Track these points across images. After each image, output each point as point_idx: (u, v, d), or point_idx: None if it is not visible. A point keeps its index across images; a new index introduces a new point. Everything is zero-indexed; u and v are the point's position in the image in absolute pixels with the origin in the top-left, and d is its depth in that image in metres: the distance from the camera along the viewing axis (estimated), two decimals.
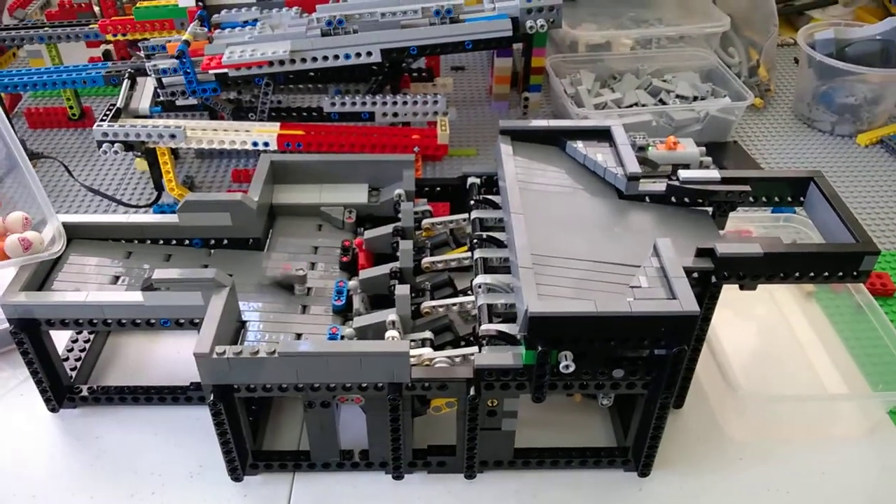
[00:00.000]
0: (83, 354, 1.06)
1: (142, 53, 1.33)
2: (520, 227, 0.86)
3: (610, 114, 1.47)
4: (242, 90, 1.36)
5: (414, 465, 0.93)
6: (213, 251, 1.03)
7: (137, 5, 1.47)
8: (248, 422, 0.91)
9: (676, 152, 0.99)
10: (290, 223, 1.08)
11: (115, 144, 1.22)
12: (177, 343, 1.11)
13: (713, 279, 0.85)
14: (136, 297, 0.90)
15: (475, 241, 0.94)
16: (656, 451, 0.91)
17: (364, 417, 0.88)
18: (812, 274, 0.86)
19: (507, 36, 1.28)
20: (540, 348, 0.77)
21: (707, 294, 0.86)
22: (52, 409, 1.01)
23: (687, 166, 0.98)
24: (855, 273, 0.86)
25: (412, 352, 0.84)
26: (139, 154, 1.28)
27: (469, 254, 0.96)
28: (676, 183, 0.94)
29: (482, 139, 1.58)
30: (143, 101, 1.30)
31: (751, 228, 1.19)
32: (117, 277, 0.98)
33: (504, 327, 0.84)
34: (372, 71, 1.36)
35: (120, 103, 1.26)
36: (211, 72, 1.24)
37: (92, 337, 1.09)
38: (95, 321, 0.92)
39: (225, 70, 1.24)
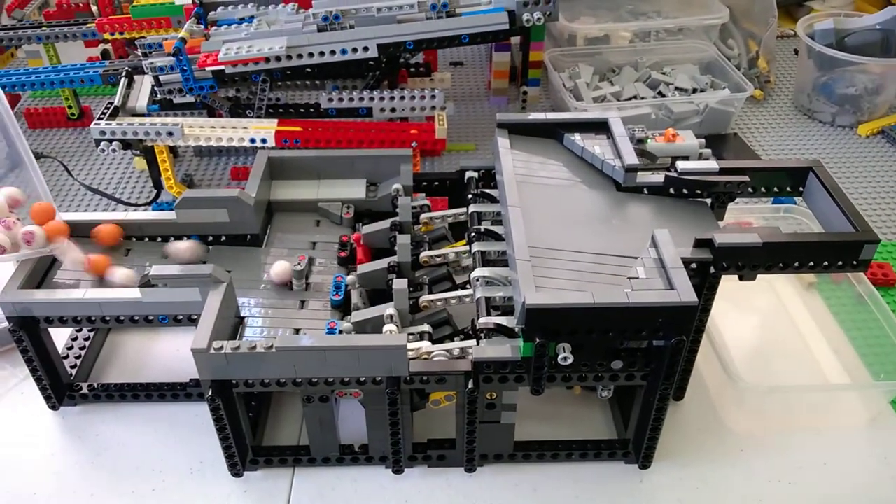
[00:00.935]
0: (83, 352, 1.06)
1: (139, 52, 1.33)
2: (517, 220, 0.86)
3: (609, 107, 1.46)
4: (240, 87, 1.36)
5: (414, 458, 0.93)
6: (211, 248, 1.03)
7: (134, 3, 1.47)
8: (248, 417, 0.91)
9: (675, 144, 0.99)
10: (288, 219, 1.08)
11: (113, 143, 1.22)
12: (176, 340, 1.11)
13: (712, 270, 0.84)
14: (134, 293, 0.90)
15: (473, 234, 0.94)
16: (657, 443, 0.91)
17: (363, 412, 0.88)
18: (811, 264, 0.85)
19: (504, 29, 1.27)
20: (538, 340, 0.77)
21: (706, 285, 0.86)
22: (53, 407, 1.01)
23: (686, 158, 0.98)
24: (855, 262, 0.85)
25: (410, 345, 0.84)
26: (138, 152, 1.28)
27: (467, 248, 0.95)
28: (674, 174, 0.93)
29: (481, 134, 1.58)
30: (141, 99, 1.30)
31: (751, 220, 1.19)
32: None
33: (502, 320, 0.83)
34: (369, 66, 1.36)
35: (117, 101, 1.26)
36: (208, 69, 1.24)
37: (92, 335, 1.09)
38: (94, 318, 0.92)
39: (221, 67, 1.23)
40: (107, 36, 1.50)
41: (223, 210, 1.00)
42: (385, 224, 1.01)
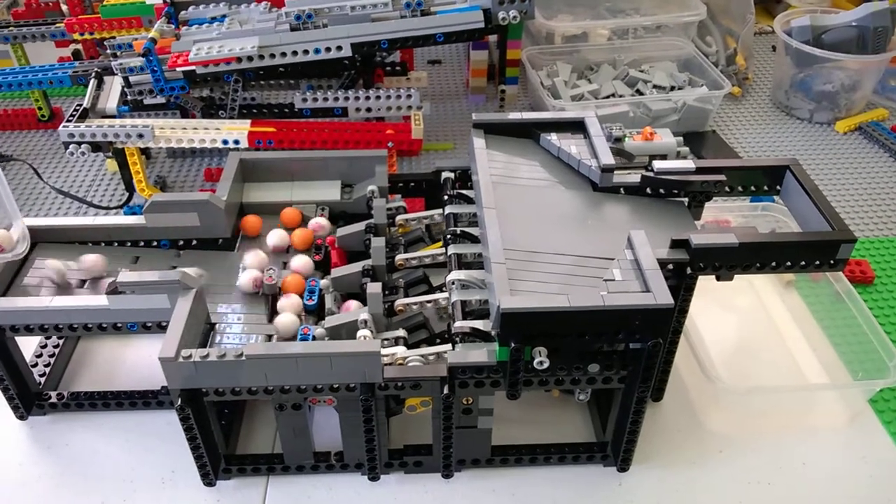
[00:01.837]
0: (52, 360, 1.04)
1: (108, 52, 1.30)
2: (492, 221, 0.85)
3: (587, 105, 1.46)
4: (213, 87, 1.34)
5: (390, 465, 0.91)
6: (181, 252, 1.01)
7: (104, 3, 1.44)
8: (220, 425, 0.89)
9: (653, 143, 0.98)
10: (262, 222, 1.06)
11: (82, 145, 1.19)
12: (148, 346, 1.08)
13: (688, 270, 0.83)
14: (102, 301, 0.88)
15: (449, 237, 0.93)
16: (635, 446, 0.90)
17: (338, 418, 0.86)
18: (788, 263, 0.85)
19: (479, 28, 1.26)
20: (513, 344, 0.76)
21: (682, 286, 0.85)
22: (21, 417, 0.99)
23: (664, 157, 0.97)
24: (832, 261, 0.85)
25: (385, 351, 0.83)
26: (110, 154, 1.25)
27: (443, 250, 0.94)
28: (651, 174, 0.92)
29: (459, 133, 1.57)
30: (111, 100, 1.28)
31: (729, 218, 1.18)
32: (84, 282, 0.96)
33: (477, 324, 0.82)
34: (344, 66, 1.34)
35: (87, 103, 1.24)
36: (178, 69, 1.22)
37: (61, 343, 1.06)
38: (61, 326, 0.89)
39: (192, 67, 1.21)
40: (76, 36, 1.48)
41: (193, 214, 0.98)
42: (360, 226, 1.00)
